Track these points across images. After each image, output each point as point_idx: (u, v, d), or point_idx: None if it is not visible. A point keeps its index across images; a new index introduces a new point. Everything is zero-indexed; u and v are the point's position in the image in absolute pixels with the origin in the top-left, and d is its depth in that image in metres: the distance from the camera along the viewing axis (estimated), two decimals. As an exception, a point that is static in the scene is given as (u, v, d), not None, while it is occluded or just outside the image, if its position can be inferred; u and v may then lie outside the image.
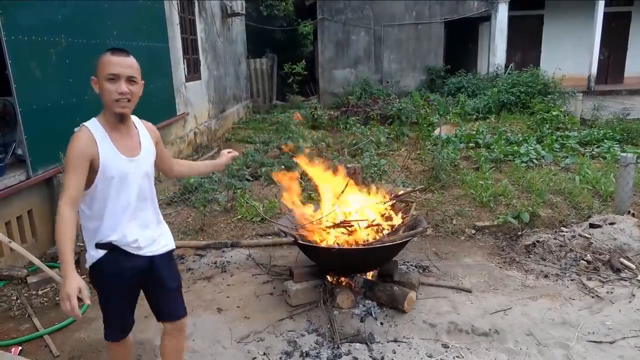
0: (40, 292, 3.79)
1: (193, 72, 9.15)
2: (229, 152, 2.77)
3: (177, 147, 7.99)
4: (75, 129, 2.02)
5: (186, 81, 8.53)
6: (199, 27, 9.47)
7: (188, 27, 8.90)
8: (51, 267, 3.83)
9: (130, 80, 2.00)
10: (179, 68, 8.13)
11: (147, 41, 6.68)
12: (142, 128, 2.21)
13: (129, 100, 2.01)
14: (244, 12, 13.85)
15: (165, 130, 7.51)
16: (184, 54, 8.50)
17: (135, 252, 2.14)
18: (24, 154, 4.15)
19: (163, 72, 7.36)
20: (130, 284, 2.20)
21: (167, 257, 2.30)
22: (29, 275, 3.89)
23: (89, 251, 2.12)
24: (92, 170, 1.97)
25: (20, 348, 3.06)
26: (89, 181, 1.99)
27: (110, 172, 2.00)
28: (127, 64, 2.00)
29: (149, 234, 2.20)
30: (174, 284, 2.33)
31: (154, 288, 2.28)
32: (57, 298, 3.70)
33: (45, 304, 3.65)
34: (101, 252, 2.09)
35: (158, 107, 7.10)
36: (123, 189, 2.05)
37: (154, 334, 3.21)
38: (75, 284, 1.83)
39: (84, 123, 2.02)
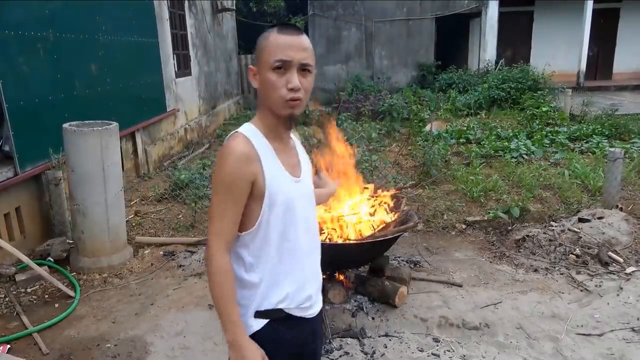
0: (28, 290, 3.75)
1: (183, 68, 9.09)
2: (338, 182, 2.14)
3: (167, 143, 7.94)
4: (228, 138, 1.42)
5: (176, 77, 8.46)
6: (189, 22, 9.39)
7: (178, 23, 8.83)
8: (39, 265, 3.80)
9: (304, 68, 1.40)
10: (169, 64, 8.06)
11: (136, 36, 6.62)
12: (294, 136, 1.62)
13: (300, 99, 1.40)
14: (234, 7, 13.77)
15: (156, 126, 7.46)
16: (174, 50, 8.43)
17: (301, 315, 1.51)
18: (11, 150, 4.09)
19: (153, 68, 7.29)
20: None
21: (321, 319, 1.66)
22: (17, 272, 3.84)
23: (242, 319, 1.44)
24: (253, 197, 1.39)
25: (8, 346, 3.02)
26: (250, 215, 1.41)
27: (277, 199, 1.41)
28: (300, 46, 1.39)
29: (317, 286, 1.58)
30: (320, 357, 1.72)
31: None
32: (46, 296, 3.67)
33: (34, 301, 3.61)
34: (261, 323, 1.45)
35: (148, 103, 7.04)
36: (292, 222, 1.45)
37: (145, 331, 3.20)
38: (259, 355, 1.39)
39: (239, 130, 1.43)
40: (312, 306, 1.54)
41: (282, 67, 1.36)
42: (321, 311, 1.62)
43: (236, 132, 1.42)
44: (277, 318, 1.46)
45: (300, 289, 1.49)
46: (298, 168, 1.53)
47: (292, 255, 1.47)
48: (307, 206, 1.52)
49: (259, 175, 1.37)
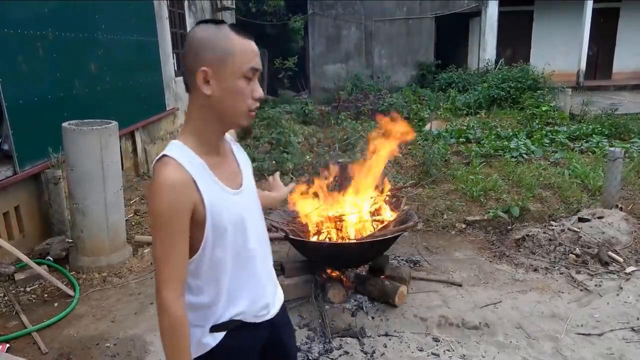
0: (28, 289, 3.74)
1: (183, 66, 9.08)
2: (291, 186, 2.00)
3: (167, 142, 7.92)
4: (155, 163, 1.29)
5: (176, 76, 8.45)
6: (189, 21, 9.38)
7: (177, 22, 8.82)
8: (39, 264, 3.79)
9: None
10: (169, 63, 8.06)
11: (136, 35, 6.61)
12: (229, 137, 1.51)
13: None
14: (234, 6, 13.74)
15: (155, 125, 7.45)
16: (174, 49, 8.42)
17: (259, 320, 1.46)
18: (11, 149, 4.08)
19: (153, 67, 7.29)
20: None
21: (283, 311, 1.60)
22: (17, 272, 3.84)
23: (198, 339, 1.38)
24: (193, 223, 1.28)
25: (7, 345, 3.02)
26: (194, 242, 1.31)
27: (222, 218, 1.31)
28: (257, 52, 1.32)
29: (273, 289, 1.54)
30: (295, 350, 1.68)
31: None
32: (45, 295, 3.67)
33: (33, 300, 3.61)
34: (219, 336, 1.38)
35: (147, 102, 7.04)
36: (242, 236, 1.38)
37: (144, 330, 3.19)
38: None
39: (167, 153, 1.28)
40: (269, 312, 1.49)
41: (251, 77, 1.29)
42: (283, 305, 1.58)
43: (164, 156, 1.27)
44: (234, 328, 1.40)
45: (256, 301, 1.43)
46: (239, 175, 1.43)
47: (245, 270, 1.40)
48: (253, 213, 1.44)
49: (198, 201, 1.26)
